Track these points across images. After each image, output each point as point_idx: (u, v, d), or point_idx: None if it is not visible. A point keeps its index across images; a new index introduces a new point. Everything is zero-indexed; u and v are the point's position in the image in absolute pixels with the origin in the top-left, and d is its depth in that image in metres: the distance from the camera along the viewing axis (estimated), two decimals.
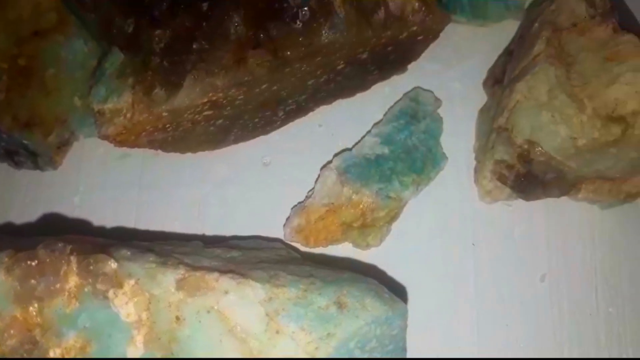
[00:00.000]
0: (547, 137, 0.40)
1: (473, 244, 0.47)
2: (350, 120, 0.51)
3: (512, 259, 0.47)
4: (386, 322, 0.32)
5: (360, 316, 0.31)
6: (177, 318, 0.31)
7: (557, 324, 0.45)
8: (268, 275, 0.33)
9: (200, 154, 0.50)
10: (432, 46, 0.52)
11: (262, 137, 0.50)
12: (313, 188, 0.46)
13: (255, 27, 0.39)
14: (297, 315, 0.30)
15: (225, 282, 0.31)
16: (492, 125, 0.44)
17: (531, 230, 0.47)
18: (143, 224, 0.49)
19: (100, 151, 0.51)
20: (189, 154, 0.49)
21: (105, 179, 0.51)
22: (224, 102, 0.40)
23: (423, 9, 0.42)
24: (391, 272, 0.46)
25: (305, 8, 0.39)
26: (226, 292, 0.31)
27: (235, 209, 0.48)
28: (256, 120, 0.46)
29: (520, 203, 0.47)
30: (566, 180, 0.44)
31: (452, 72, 0.52)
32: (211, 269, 0.32)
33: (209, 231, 0.48)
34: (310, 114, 0.50)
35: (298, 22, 0.39)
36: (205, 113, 0.41)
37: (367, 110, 0.51)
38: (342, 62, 0.43)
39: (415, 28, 0.43)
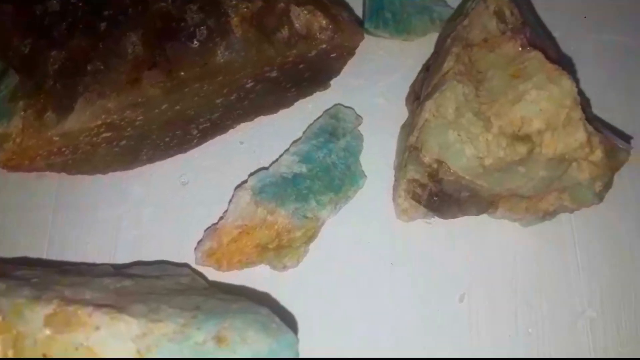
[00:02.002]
0: (454, 157, 0.39)
1: (392, 264, 0.46)
2: (272, 137, 0.50)
3: (431, 279, 0.46)
4: (270, 354, 0.31)
5: (237, 351, 0.30)
6: (44, 356, 0.29)
7: (476, 346, 0.44)
8: (148, 309, 0.31)
9: (117, 174, 0.48)
10: (356, 61, 0.51)
11: (180, 156, 0.49)
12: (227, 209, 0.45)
13: (152, 46, 0.38)
14: (170, 351, 0.29)
15: (98, 317, 0.30)
16: (406, 143, 0.43)
17: (451, 249, 0.46)
18: (56, 247, 0.47)
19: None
20: (106, 174, 0.48)
21: (20, 200, 0.49)
22: (122, 123, 0.39)
23: (331, 26, 0.41)
24: (307, 293, 0.45)
25: (203, 27, 0.38)
26: (97, 328, 0.30)
27: (151, 231, 0.47)
28: (167, 139, 0.44)
29: (441, 221, 0.46)
30: (482, 198, 0.43)
31: (376, 87, 0.52)
32: (87, 303, 0.31)
33: (122, 253, 0.47)
34: (231, 131, 0.49)
35: (195, 42, 0.38)
36: (104, 135, 0.40)
37: (290, 127, 0.50)
38: (249, 80, 0.42)
39: (324, 46, 0.42)
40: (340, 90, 0.51)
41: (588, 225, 0.47)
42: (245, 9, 0.39)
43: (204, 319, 0.31)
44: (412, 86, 0.49)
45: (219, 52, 0.37)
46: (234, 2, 0.39)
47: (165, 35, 0.38)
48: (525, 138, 0.38)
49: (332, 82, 0.51)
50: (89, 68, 0.38)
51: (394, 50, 0.53)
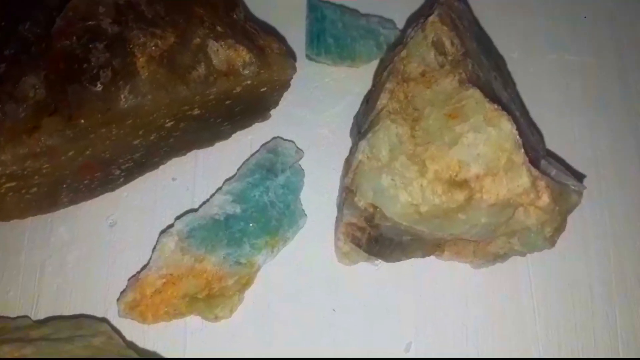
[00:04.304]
0: (388, 203, 0.36)
1: (334, 310, 0.43)
2: (208, 172, 0.47)
3: (376, 326, 0.42)
4: None
5: None
6: None
7: None
8: None
9: (40, 215, 0.45)
10: (299, 89, 0.48)
11: (108, 194, 0.46)
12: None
13: (55, 90, 0.35)
14: None
15: None
16: (343, 184, 0.40)
17: (398, 294, 0.43)
18: None
19: None
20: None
21: None
22: (25, 173, 0.36)
23: (255, 61, 0.38)
24: (242, 345, 0.42)
25: (107, 69, 0.34)
26: None
27: (75, 278, 0.44)
28: (86, 182, 0.41)
29: (387, 263, 0.43)
30: (425, 241, 0.40)
31: (320, 117, 0.48)
32: None
33: (45, 303, 0.43)
34: (162, 167, 0.46)
35: (98, 85, 0.34)
36: (7, 185, 0.36)
37: (227, 161, 0.47)
38: (167, 120, 0.38)
39: (249, 82, 0.38)
40: (281, 121, 0.48)
41: (544, 266, 0.44)
42: (154, 47, 0.35)
43: None
44: (355, 118, 0.45)
45: (122, 96, 0.34)
46: (142, 39, 0.35)
47: (68, 77, 0.35)
48: (463, 184, 0.35)
49: (272, 112, 0.48)
50: None
51: (339, 77, 0.49)
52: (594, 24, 0.52)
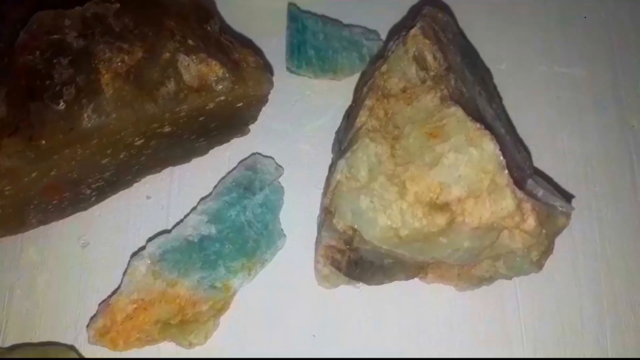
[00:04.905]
0: (367, 226, 0.34)
1: (314, 336, 0.41)
2: (184, 190, 0.45)
3: (357, 352, 0.41)
4: None
5: None
6: None
7: None
8: None
9: (11, 236, 0.43)
10: (280, 104, 0.47)
11: (79, 214, 0.44)
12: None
13: (16, 108, 0.33)
14: None
15: None
16: (323, 203, 0.38)
17: (381, 317, 0.42)
18: None
19: None
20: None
21: None
22: None
23: (228, 76, 0.36)
24: None
25: (71, 86, 0.33)
26: None
27: (45, 301, 0.42)
28: (55, 202, 0.39)
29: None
30: (408, 264, 0.39)
31: (301, 132, 0.47)
32: None
33: (14, 328, 0.42)
34: (136, 185, 0.44)
35: (61, 103, 0.33)
36: None
37: (204, 178, 0.45)
38: (137, 138, 0.37)
39: (223, 98, 0.37)
40: (261, 136, 0.46)
41: (532, 288, 0.42)
42: (120, 63, 0.33)
43: None
44: (337, 133, 0.44)
45: (85, 115, 0.32)
46: (107, 54, 0.33)
47: (30, 95, 0.33)
48: (444, 207, 0.33)
49: (252, 126, 0.46)
50: None
51: (321, 90, 0.48)
52: (585, 35, 0.50)
